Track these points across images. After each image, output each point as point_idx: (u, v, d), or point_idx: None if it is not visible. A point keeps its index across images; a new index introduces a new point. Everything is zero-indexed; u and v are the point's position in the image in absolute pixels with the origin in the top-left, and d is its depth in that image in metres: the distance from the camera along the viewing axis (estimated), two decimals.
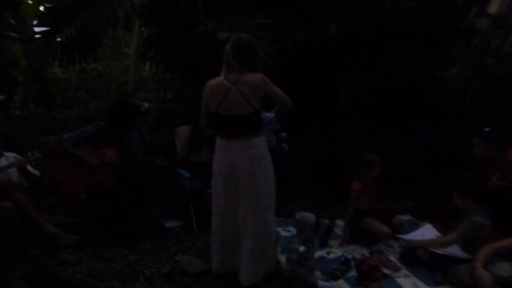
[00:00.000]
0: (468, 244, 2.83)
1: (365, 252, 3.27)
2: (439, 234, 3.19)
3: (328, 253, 3.33)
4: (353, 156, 3.67)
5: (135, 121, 3.99)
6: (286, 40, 4.19)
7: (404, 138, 4.83)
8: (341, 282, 2.87)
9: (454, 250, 2.89)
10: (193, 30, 4.49)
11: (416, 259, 2.99)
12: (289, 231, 3.74)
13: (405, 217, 3.92)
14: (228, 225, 2.85)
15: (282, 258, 3.12)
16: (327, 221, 3.68)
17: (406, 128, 4.92)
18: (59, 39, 4.47)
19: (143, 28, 9.80)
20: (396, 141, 4.74)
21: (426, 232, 3.28)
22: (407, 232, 3.45)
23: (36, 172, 3.33)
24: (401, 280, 2.85)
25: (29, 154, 3.25)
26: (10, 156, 3.25)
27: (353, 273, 2.94)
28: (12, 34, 6.75)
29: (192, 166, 3.99)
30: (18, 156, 3.26)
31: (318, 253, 3.27)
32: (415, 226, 3.70)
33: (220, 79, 2.71)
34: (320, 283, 2.76)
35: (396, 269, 2.98)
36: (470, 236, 2.83)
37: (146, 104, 9.20)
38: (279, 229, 3.72)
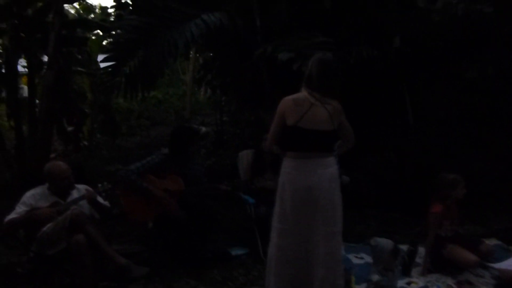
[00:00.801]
0: None
1: (450, 282, 3.00)
2: None
3: (409, 283, 3.08)
4: (430, 175, 3.40)
5: (195, 145, 3.98)
6: (349, 56, 4.04)
7: (483, 154, 4.44)
8: None
9: None
10: (251, 53, 4.46)
11: None
12: (361, 258, 3.51)
13: (492, 242, 3.57)
14: (301, 254, 2.65)
15: None
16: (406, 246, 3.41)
17: (484, 144, 4.54)
18: (123, 72, 4.61)
19: (197, 55, 10.14)
20: (474, 158, 4.38)
21: None
22: (498, 260, 3.14)
23: (106, 202, 3.38)
24: None
25: (99, 185, 3.33)
26: (81, 188, 3.31)
27: None
28: (79, 68, 7.16)
29: (256, 191, 3.90)
30: (89, 188, 3.32)
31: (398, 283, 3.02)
32: (507, 253, 3.34)
33: (303, 94, 2.64)
34: None
35: None
36: None
37: (203, 129, 9.33)
38: (350, 256, 3.51)
